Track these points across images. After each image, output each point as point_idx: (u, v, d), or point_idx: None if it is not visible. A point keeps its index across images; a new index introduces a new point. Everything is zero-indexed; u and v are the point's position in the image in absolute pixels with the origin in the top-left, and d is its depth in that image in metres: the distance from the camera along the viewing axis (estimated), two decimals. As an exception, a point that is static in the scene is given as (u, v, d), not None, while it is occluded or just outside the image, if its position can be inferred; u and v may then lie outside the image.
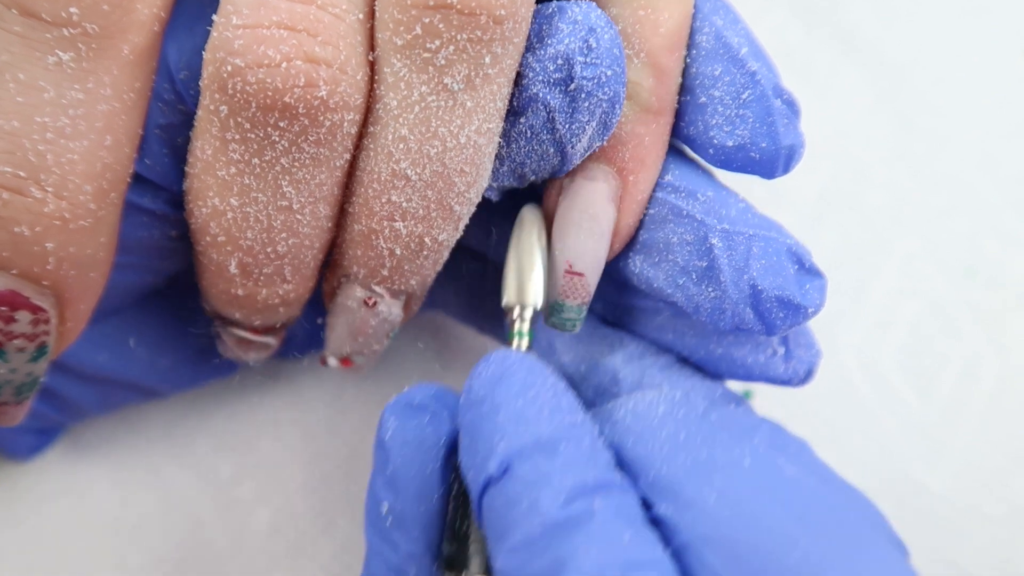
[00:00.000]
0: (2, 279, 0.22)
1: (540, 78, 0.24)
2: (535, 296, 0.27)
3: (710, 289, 0.25)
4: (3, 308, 0.22)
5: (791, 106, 0.26)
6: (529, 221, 0.27)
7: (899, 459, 0.37)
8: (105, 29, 0.21)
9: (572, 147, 0.25)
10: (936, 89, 0.41)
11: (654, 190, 0.27)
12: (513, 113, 0.25)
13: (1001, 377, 0.38)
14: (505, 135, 0.25)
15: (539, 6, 0.25)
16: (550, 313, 0.27)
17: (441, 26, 0.22)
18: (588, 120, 0.24)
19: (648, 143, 0.26)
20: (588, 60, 0.24)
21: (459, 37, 0.22)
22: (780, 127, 0.25)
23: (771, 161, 0.26)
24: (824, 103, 0.41)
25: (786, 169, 0.26)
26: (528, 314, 0.27)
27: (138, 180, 0.25)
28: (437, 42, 0.22)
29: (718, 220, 0.26)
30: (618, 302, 0.30)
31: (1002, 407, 0.37)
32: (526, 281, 0.27)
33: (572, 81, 0.24)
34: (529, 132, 0.25)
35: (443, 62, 0.22)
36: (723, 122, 0.26)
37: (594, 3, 0.25)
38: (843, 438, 0.37)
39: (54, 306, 0.23)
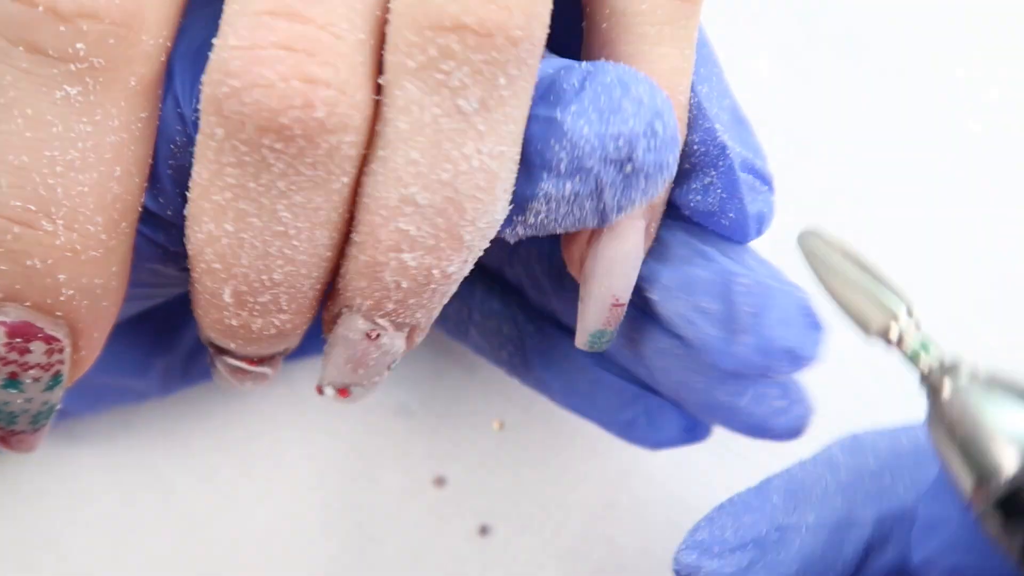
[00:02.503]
0: (15, 311, 0.22)
1: (598, 153, 0.23)
2: (903, 301, 0.23)
3: (723, 331, 0.26)
4: (17, 339, 0.22)
5: (761, 176, 0.28)
6: (817, 246, 0.25)
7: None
8: (112, 62, 0.22)
9: (614, 215, 0.25)
10: (940, 88, 0.41)
11: (677, 230, 0.28)
12: (558, 175, 0.24)
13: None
14: (545, 195, 0.24)
15: (593, 66, 0.24)
16: (591, 339, 0.28)
17: (456, 47, 0.22)
18: (639, 200, 0.24)
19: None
20: (652, 145, 0.23)
21: (474, 58, 0.22)
22: (747, 199, 0.27)
23: (741, 229, 0.28)
24: (823, 105, 0.41)
25: (758, 233, 0.28)
26: (914, 322, 0.23)
27: (152, 218, 0.25)
28: (452, 63, 0.22)
29: (740, 265, 0.27)
30: (631, 336, 0.30)
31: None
32: (881, 294, 0.23)
33: (631, 163, 0.23)
34: (573, 198, 0.24)
35: (457, 84, 0.22)
36: (700, 188, 0.28)
37: (653, 80, 0.24)
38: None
39: (68, 335, 0.23)
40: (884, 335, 0.22)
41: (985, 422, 0.19)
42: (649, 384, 0.31)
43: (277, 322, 0.25)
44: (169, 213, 0.25)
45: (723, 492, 0.27)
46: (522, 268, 0.32)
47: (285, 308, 0.25)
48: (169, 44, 0.23)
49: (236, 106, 0.21)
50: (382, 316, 0.25)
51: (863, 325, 0.22)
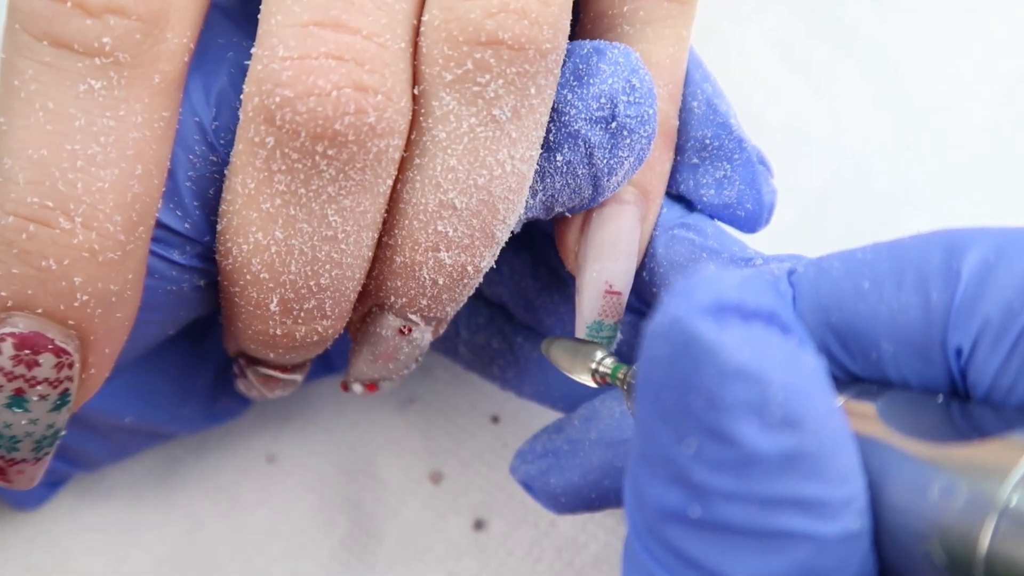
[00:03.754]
0: (25, 321, 0.21)
1: (583, 115, 0.25)
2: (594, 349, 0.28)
3: None
4: (26, 352, 0.21)
5: (767, 167, 0.29)
6: (548, 349, 0.29)
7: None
8: (137, 58, 0.22)
9: (607, 180, 0.26)
10: (938, 83, 0.41)
11: (672, 227, 0.28)
12: (548, 149, 0.25)
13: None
14: (540, 171, 0.26)
15: (570, 44, 0.26)
16: (589, 331, 0.28)
17: (492, 61, 0.23)
18: (627, 156, 0.26)
19: (667, 167, 0.29)
20: (631, 99, 0.25)
21: (508, 71, 0.23)
22: (763, 190, 0.28)
23: (755, 219, 0.29)
24: (823, 100, 0.41)
25: (767, 222, 0.29)
26: (605, 359, 0.27)
27: (169, 233, 0.25)
28: (487, 76, 0.23)
29: (738, 247, 0.28)
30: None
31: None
32: (580, 352, 0.28)
33: (614, 119, 0.25)
34: (566, 168, 0.25)
35: (492, 95, 0.23)
36: (712, 182, 0.28)
37: (628, 47, 0.26)
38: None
39: (78, 349, 0.22)
40: (592, 379, 0.27)
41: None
42: None
43: (320, 328, 0.25)
44: (187, 226, 0.25)
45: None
46: (507, 286, 0.33)
47: (329, 313, 0.25)
48: (192, 45, 0.23)
49: (290, 115, 0.21)
50: (414, 312, 0.26)
51: (583, 381, 0.28)
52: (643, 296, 0.29)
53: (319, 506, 0.35)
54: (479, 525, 0.35)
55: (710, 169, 0.29)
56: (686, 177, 0.29)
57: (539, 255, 0.32)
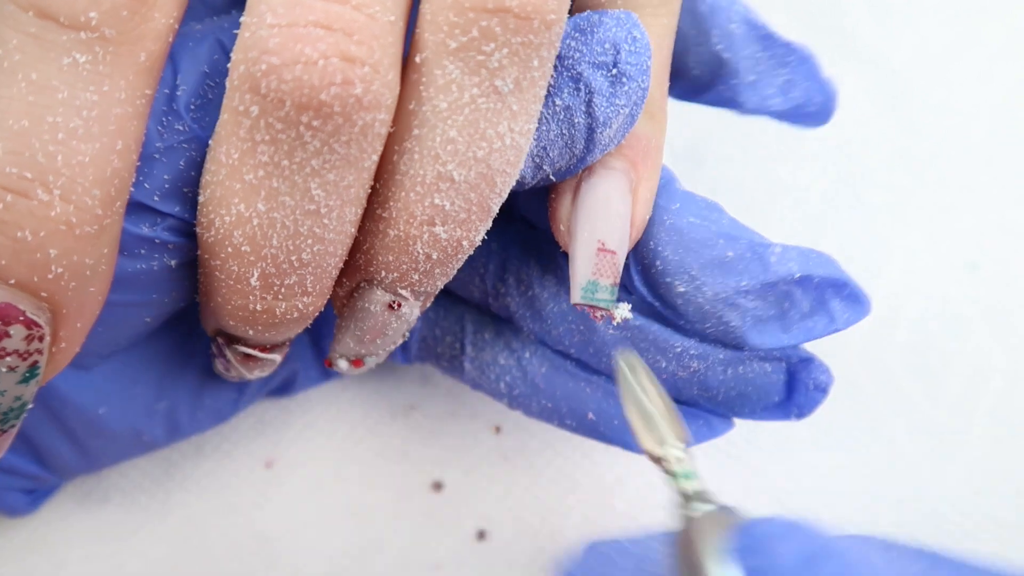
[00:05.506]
0: None
1: (586, 59, 0.25)
2: (677, 435, 0.26)
3: (774, 307, 0.28)
4: None
5: (815, 58, 0.30)
6: (633, 365, 0.28)
7: (907, 461, 0.36)
8: (123, 35, 0.22)
9: (602, 132, 0.26)
10: (936, 91, 0.41)
11: (686, 215, 0.28)
12: (547, 95, 0.25)
13: (1009, 375, 0.37)
14: (538, 117, 0.25)
15: (575, 16, 0.26)
16: (584, 292, 0.28)
17: (498, 29, 0.23)
18: (624, 104, 0.25)
19: (655, 144, 0.28)
20: (633, 48, 0.25)
21: (513, 41, 0.23)
22: (824, 79, 0.30)
23: (827, 109, 0.30)
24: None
25: (832, 113, 0.31)
26: (680, 453, 0.26)
27: (136, 207, 0.25)
28: (492, 45, 0.23)
29: (752, 231, 0.28)
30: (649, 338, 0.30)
31: (1012, 405, 0.37)
32: (661, 424, 0.27)
33: (616, 65, 0.25)
34: (564, 113, 0.25)
35: (496, 65, 0.23)
36: (777, 91, 0.30)
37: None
38: (849, 440, 0.36)
39: (49, 322, 0.22)
40: (650, 454, 0.26)
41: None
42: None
43: (300, 305, 0.25)
44: (156, 199, 0.25)
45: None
46: (514, 297, 0.32)
47: (310, 289, 0.25)
48: (176, 26, 0.23)
49: (275, 83, 0.21)
50: (405, 287, 0.26)
51: (637, 440, 0.26)
52: (656, 289, 0.29)
53: (318, 513, 0.35)
54: (480, 535, 0.35)
55: (769, 79, 0.29)
56: (749, 96, 0.30)
57: (546, 264, 0.32)
